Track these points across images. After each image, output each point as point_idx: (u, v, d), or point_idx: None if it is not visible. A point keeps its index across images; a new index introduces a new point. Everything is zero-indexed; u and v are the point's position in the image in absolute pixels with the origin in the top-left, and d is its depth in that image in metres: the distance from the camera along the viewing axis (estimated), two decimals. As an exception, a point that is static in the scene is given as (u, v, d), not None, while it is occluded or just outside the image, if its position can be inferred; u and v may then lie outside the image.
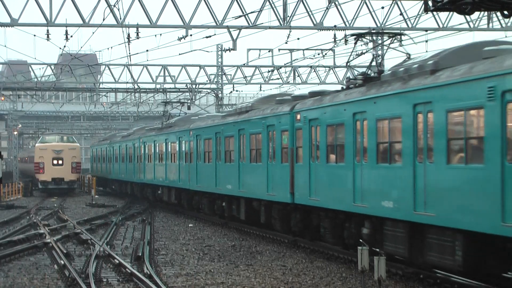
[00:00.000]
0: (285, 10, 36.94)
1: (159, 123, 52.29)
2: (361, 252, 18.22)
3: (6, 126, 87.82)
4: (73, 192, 69.98)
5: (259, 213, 30.68)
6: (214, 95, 66.21)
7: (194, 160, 39.10)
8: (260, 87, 62.77)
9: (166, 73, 59.65)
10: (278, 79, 61.05)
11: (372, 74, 23.23)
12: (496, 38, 30.67)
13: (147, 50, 44.61)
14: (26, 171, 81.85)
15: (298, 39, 41.41)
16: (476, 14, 38.36)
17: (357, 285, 19.59)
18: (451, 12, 30.26)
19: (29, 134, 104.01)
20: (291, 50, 54.82)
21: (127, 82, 61.05)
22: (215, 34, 37.45)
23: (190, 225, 37.65)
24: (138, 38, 36.44)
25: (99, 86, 72.47)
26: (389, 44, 23.96)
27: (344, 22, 38.09)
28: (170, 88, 64.94)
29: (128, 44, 37.55)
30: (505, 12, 16.33)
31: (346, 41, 39.22)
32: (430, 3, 16.50)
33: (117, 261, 23.41)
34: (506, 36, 40.13)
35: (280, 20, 36.97)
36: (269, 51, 55.82)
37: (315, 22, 37.25)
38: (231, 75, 62.65)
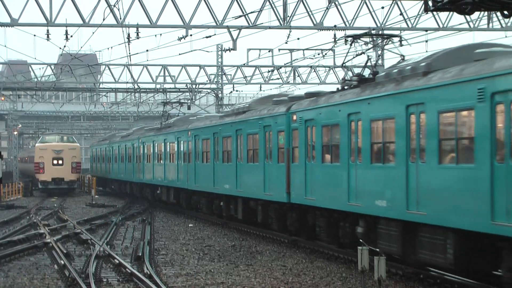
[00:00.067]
0: (285, 10, 36.99)
1: (158, 123, 52.44)
2: (361, 252, 18.36)
3: (6, 126, 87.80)
4: (73, 192, 69.95)
5: (256, 213, 30.92)
6: (214, 95, 66.27)
7: (192, 160, 39.31)
8: (260, 87, 62.69)
9: (166, 73, 59.52)
10: (278, 79, 60.98)
11: (367, 76, 23.48)
12: (496, 38, 30.83)
13: (147, 50, 44.67)
14: (26, 171, 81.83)
15: (298, 39, 41.54)
16: (476, 14, 38.36)
17: (357, 285, 19.69)
18: (451, 12, 30.38)
19: (29, 134, 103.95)
20: (291, 50, 54.78)
21: (127, 82, 60.99)
22: (215, 34, 37.55)
23: (190, 225, 37.73)
24: (138, 38, 36.45)
25: (99, 86, 72.46)
26: (384, 45, 24.15)
27: (344, 22, 38.13)
28: (170, 88, 64.85)
29: (128, 44, 37.63)
30: (505, 12, 16.37)
31: (346, 41, 39.31)
32: (430, 3, 16.56)
33: (117, 261, 23.45)
34: (506, 36, 40.21)
35: (280, 20, 37.03)
36: (269, 51, 55.79)
37: (315, 22, 37.29)
38: (231, 75, 62.66)
